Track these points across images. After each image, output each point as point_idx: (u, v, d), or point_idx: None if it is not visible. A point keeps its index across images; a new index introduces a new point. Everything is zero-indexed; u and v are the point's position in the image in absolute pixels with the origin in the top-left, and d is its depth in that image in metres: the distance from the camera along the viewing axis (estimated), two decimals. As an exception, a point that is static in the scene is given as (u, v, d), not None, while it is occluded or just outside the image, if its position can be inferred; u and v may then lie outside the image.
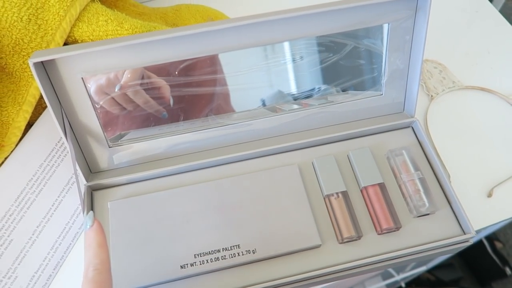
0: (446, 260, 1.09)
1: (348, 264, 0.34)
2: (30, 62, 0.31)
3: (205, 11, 0.53)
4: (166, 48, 0.34)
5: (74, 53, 0.32)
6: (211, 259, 0.34)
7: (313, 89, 0.45)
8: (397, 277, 0.95)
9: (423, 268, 0.96)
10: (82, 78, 0.34)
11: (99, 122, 0.37)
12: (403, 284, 1.01)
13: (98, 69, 0.34)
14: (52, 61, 0.33)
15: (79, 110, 0.36)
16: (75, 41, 0.40)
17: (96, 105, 0.36)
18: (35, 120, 0.40)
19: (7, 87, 0.38)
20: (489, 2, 0.56)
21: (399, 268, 0.91)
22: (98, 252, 0.28)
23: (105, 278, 0.27)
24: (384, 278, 0.95)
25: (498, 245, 1.18)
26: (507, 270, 1.11)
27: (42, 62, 0.32)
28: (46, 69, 0.33)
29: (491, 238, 1.16)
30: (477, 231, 0.37)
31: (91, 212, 0.30)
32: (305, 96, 0.46)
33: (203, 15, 0.53)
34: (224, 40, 0.35)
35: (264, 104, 0.46)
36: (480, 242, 1.12)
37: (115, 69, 0.35)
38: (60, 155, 0.40)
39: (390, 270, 0.91)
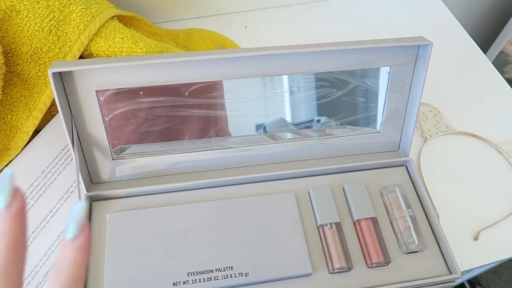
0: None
1: (336, 295, 0.35)
2: (49, 71, 0.32)
3: (215, 37, 0.56)
4: (178, 70, 0.36)
5: (92, 66, 0.33)
6: (204, 278, 0.34)
7: (312, 120, 0.47)
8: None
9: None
10: (96, 91, 0.35)
11: (106, 135, 0.38)
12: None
13: (113, 83, 0.36)
14: (69, 72, 0.34)
15: (89, 121, 0.37)
16: (90, 55, 0.42)
17: (106, 118, 0.37)
18: (42, 127, 0.41)
19: (20, 93, 0.39)
20: (483, 54, 0.59)
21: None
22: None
23: None
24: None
25: (480, 290, 1.19)
26: (487, 316, 1.12)
27: (59, 72, 0.33)
28: (62, 79, 0.34)
29: (473, 282, 1.17)
30: (462, 272, 0.38)
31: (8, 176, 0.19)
32: (305, 126, 0.48)
33: (213, 40, 0.55)
34: (234, 68, 0.37)
35: (265, 130, 0.47)
36: (462, 285, 1.12)
37: (129, 85, 0.36)
38: (63, 163, 0.40)
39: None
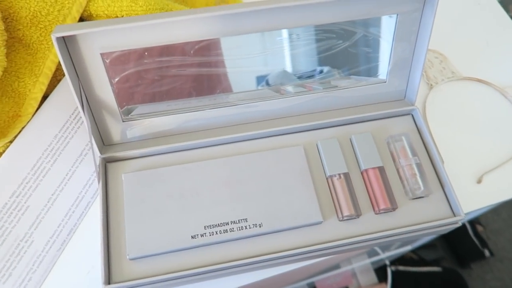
0: (430, 241, 1.14)
1: (346, 240, 0.37)
2: (53, 36, 0.31)
3: (215, -10, 0.54)
4: (180, 28, 0.35)
5: (95, 29, 0.33)
6: (220, 231, 0.36)
7: (314, 70, 0.47)
8: (382, 255, 0.99)
9: (407, 248, 1.00)
10: (100, 53, 0.35)
11: (114, 97, 0.38)
12: (387, 262, 1.05)
13: (117, 45, 0.35)
14: (73, 37, 0.33)
15: (96, 84, 0.37)
16: (90, 16, 0.41)
17: (113, 80, 0.37)
18: (49, 93, 0.41)
19: (24, 59, 0.38)
20: (491, -6, 0.58)
21: (385, 247, 0.95)
22: None
23: None
24: (370, 256, 0.99)
25: (479, 228, 1.23)
26: (486, 252, 1.17)
27: (63, 37, 0.33)
28: (66, 43, 0.34)
29: (472, 221, 1.21)
30: (466, 214, 0.40)
31: None
32: (308, 77, 0.47)
33: (212, -7, 0.53)
34: (235, 24, 0.36)
35: (267, 84, 0.47)
36: (462, 225, 1.16)
37: (132, 46, 0.36)
38: (74, 127, 0.41)
39: (376, 248, 0.94)
